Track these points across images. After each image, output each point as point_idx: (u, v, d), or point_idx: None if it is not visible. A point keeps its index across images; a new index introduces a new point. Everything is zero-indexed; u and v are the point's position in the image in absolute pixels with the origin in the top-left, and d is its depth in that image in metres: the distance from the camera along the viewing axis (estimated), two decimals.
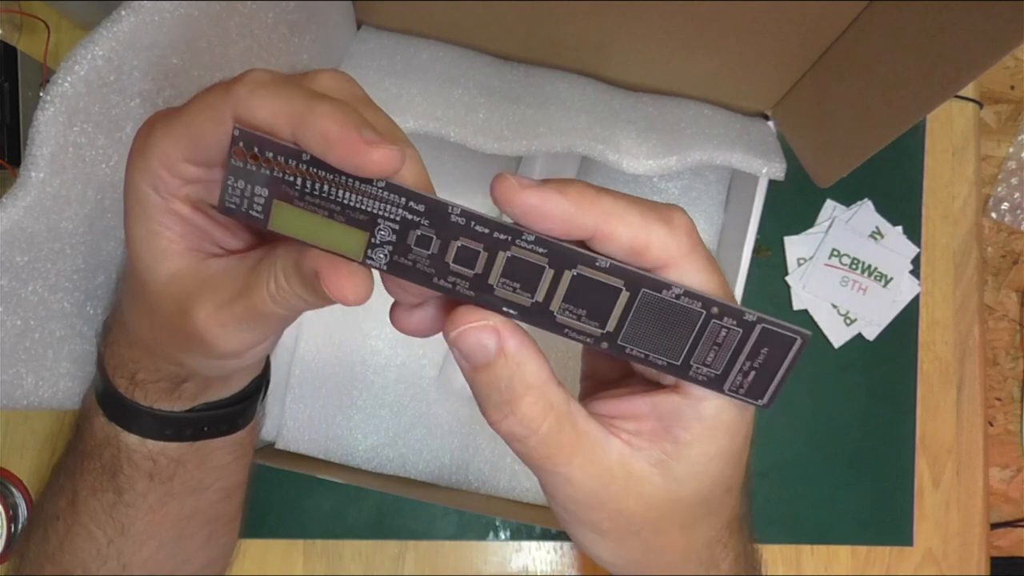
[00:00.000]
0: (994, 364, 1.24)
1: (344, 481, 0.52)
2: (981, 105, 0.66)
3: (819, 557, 0.61)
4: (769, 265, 0.62)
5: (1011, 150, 1.24)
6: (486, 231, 0.21)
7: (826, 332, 0.62)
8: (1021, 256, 1.25)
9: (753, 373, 0.22)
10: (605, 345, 0.22)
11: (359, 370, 0.54)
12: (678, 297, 0.21)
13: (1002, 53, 0.32)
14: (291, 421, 0.54)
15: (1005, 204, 1.23)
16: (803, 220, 0.63)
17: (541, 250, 0.21)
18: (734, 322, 0.21)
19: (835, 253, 0.62)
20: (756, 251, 0.50)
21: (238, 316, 0.24)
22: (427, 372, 0.55)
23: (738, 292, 0.50)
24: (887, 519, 0.62)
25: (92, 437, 0.31)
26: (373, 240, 0.21)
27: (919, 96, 0.37)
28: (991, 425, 1.22)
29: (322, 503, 0.58)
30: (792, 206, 0.63)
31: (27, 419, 0.57)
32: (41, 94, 0.51)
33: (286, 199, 0.21)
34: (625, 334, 0.22)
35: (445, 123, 0.45)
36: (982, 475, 0.63)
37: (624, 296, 0.21)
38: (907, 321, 0.63)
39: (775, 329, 0.21)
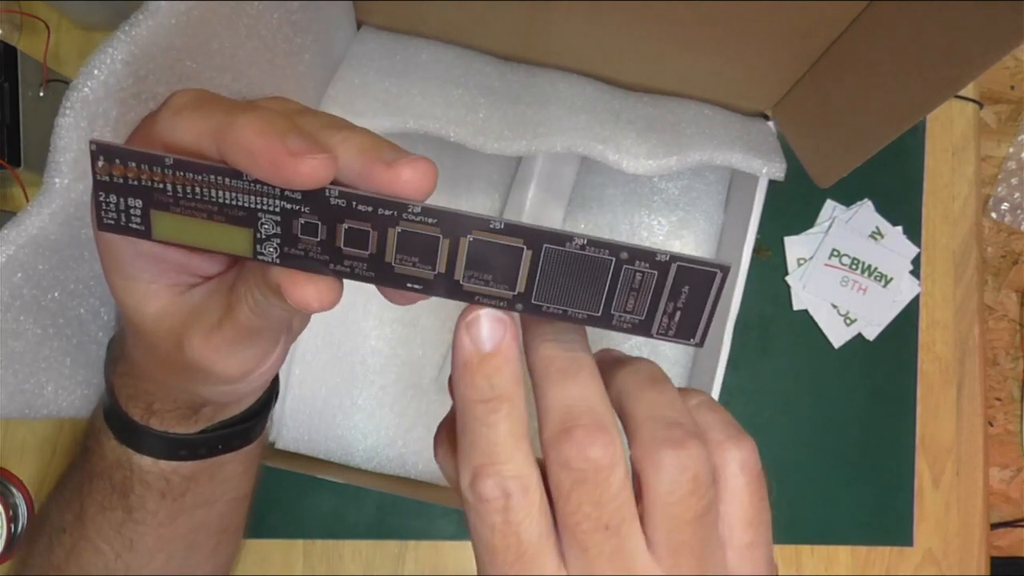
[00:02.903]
0: (994, 364, 1.24)
1: (344, 481, 0.52)
2: (981, 105, 0.66)
3: (819, 557, 0.61)
4: (769, 265, 0.62)
5: (1011, 150, 1.24)
6: (369, 209, 0.20)
7: (826, 332, 0.62)
8: (1021, 256, 1.25)
9: (679, 313, 0.21)
10: (520, 307, 0.21)
11: (359, 370, 0.54)
12: (583, 248, 0.20)
13: (1002, 53, 0.32)
14: (291, 421, 0.54)
15: (1005, 204, 1.23)
16: (803, 220, 0.63)
17: (431, 220, 0.20)
18: (647, 264, 0.20)
19: (835, 253, 0.62)
20: (756, 251, 0.50)
21: (229, 338, 0.24)
22: (427, 372, 0.55)
23: (738, 292, 0.50)
24: (887, 519, 0.62)
25: (102, 459, 0.31)
26: (259, 235, 0.20)
27: (919, 96, 0.37)
28: (991, 425, 1.22)
29: (322, 503, 0.58)
30: (792, 206, 0.63)
31: (28, 420, 0.57)
32: (41, 94, 0.51)
33: (162, 207, 0.20)
34: (537, 293, 0.21)
35: (445, 123, 0.45)
36: (982, 475, 0.63)
37: (527, 254, 0.20)
38: (907, 321, 0.63)
39: (692, 266, 0.20)
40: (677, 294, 0.21)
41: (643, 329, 0.21)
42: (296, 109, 0.23)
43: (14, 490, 0.55)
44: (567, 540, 0.20)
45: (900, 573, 0.62)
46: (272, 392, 0.34)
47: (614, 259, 0.20)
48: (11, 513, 0.54)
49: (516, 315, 0.22)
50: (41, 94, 0.52)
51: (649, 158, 0.46)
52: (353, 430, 0.54)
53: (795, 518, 0.61)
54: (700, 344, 0.22)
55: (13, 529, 0.54)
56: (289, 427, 0.54)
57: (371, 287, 0.22)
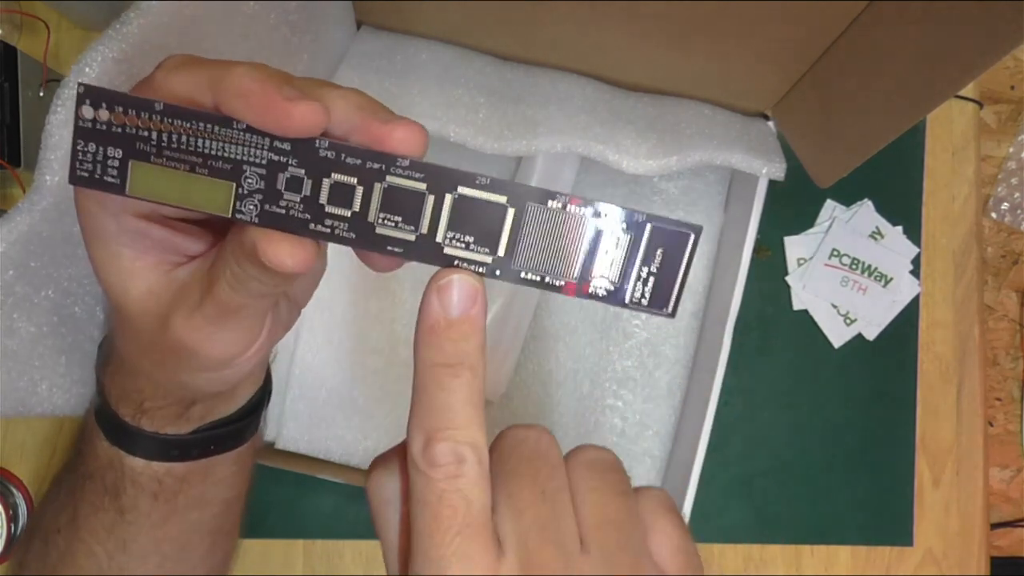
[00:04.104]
0: (994, 364, 1.24)
1: (344, 481, 0.52)
2: (981, 105, 0.66)
3: (819, 557, 0.61)
4: (769, 265, 0.62)
5: (1011, 150, 1.24)
6: (358, 162, 0.20)
7: (826, 332, 0.62)
8: (1021, 256, 1.25)
9: (652, 279, 0.21)
10: (499, 273, 0.21)
11: (359, 370, 0.54)
12: (565, 206, 0.21)
13: (1002, 53, 0.32)
14: (291, 421, 0.54)
15: (1005, 204, 1.23)
16: (803, 220, 0.63)
17: (418, 175, 0.20)
18: (624, 225, 0.21)
19: (835, 253, 0.62)
20: (756, 251, 0.50)
21: (209, 316, 0.24)
22: None
23: (738, 292, 0.50)
24: (887, 519, 0.62)
25: (94, 460, 0.31)
26: (240, 190, 0.20)
27: (919, 96, 0.37)
28: (991, 425, 1.22)
29: (322, 503, 0.58)
30: (792, 206, 0.63)
31: (27, 420, 0.57)
32: (41, 94, 0.51)
33: (142, 157, 0.20)
34: (517, 257, 0.21)
35: (445, 123, 0.45)
36: (982, 475, 0.63)
37: (511, 213, 0.21)
38: (907, 321, 0.63)
39: (666, 227, 0.21)
40: (651, 257, 0.21)
41: (616, 298, 0.22)
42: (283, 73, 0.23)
43: (14, 490, 0.55)
44: (504, 506, 0.20)
45: (900, 573, 0.62)
46: (264, 392, 0.33)
47: (594, 218, 0.21)
48: (11, 513, 0.54)
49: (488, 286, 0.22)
50: (41, 94, 0.52)
51: (649, 158, 0.46)
52: (353, 430, 0.54)
53: (795, 518, 0.61)
54: (672, 314, 0.22)
55: (13, 529, 0.54)
56: (289, 427, 0.54)
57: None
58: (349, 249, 0.22)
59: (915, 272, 0.63)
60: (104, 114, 0.20)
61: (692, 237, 0.21)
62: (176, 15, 0.29)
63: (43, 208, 0.28)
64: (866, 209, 0.63)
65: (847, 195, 0.63)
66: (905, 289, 0.63)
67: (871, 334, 0.62)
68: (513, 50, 0.50)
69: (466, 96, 0.47)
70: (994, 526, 1.18)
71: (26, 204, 0.28)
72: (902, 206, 0.64)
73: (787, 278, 0.62)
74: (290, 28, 0.39)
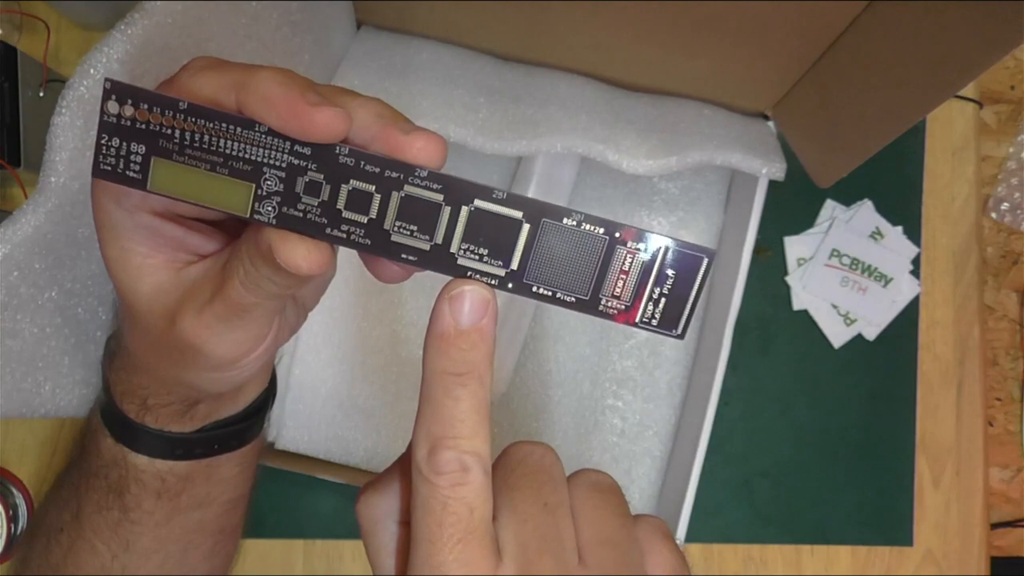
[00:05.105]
0: (994, 364, 1.24)
1: (344, 481, 0.52)
2: (981, 105, 0.66)
3: (819, 557, 0.61)
4: (769, 265, 0.62)
5: (1011, 150, 1.24)
6: (377, 170, 0.20)
7: (826, 332, 0.62)
8: (1021, 256, 1.25)
9: (664, 300, 0.21)
10: (511, 286, 0.21)
11: (359, 370, 0.54)
12: (580, 224, 0.21)
13: (1002, 53, 0.32)
14: (291, 421, 0.54)
15: (1005, 204, 1.23)
16: (803, 220, 0.63)
17: (436, 186, 0.21)
18: (639, 245, 0.21)
19: (835, 253, 0.62)
20: (756, 251, 0.50)
21: (219, 315, 0.24)
22: None
23: (738, 292, 0.50)
24: (887, 519, 0.62)
25: (99, 457, 0.31)
26: (259, 191, 0.21)
27: (919, 96, 0.37)
28: (991, 425, 1.22)
29: (322, 503, 0.58)
30: (792, 206, 0.63)
31: (27, 420, 0.57)
32: (41, 94, 0.51)
33: (165, 154, 0.20)
34: (530, 271, 0.21)
35: (445, 123, 0.45)
36: (982, 475, 0.63)
37: (525, 229, 0.21)
38: (907, 321, 0.63)
39: (681, 249, 0.21)
40: (663, 279, 0.21)
41: (627, 316, 0.22)
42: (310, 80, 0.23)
43: (14, 490, 0.55)
44: (506, 516, 0.21)
45: (900, 573, 0.62)
46: (269, 393, 0.33)
47: (608, 238, 0.21)
48: (11, 513, 0.54)
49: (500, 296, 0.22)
50: (41, 94, 0.52)
51: (649, 158, 0.46)
52: (353, 430, 0.54)
53: (795, 518, 0.61)
54: (681, 336, 0.22)
55: (13, 529, 0.54)
56: (289, 427, 0.54)
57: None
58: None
59: (915, 272, 0.63)
60: (129, 110, 0.20)
61: (705, 261, 0.21)
62: (181, 16, 0.29)
63: (48, 209, 0.28)
64: (866, 209, 0.63)
65: (847, 195, 0.63)
66: (905, 289, 0.63)
67: (871, 334, 0.62)
68: (513, 50, 0.50)
69: (466, 96, 0.47)
70: (994, 526, 1.18)
71: (31, 205, 0.28)
72: (902, 206, 0.64)
73: (787, 278, 0.62)
74: (292, 28, 0.39)
